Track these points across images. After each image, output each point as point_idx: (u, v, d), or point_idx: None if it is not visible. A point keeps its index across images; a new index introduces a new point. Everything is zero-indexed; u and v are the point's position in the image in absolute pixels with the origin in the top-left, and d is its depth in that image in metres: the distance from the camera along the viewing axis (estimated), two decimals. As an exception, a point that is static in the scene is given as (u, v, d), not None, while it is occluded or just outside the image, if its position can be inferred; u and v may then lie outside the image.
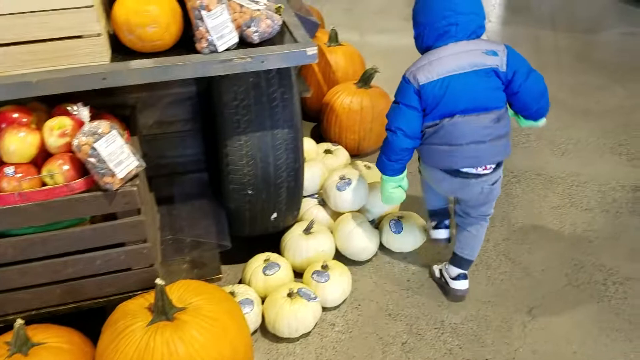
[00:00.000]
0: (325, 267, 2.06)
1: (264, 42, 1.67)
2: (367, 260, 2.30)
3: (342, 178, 2.31)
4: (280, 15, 1.83)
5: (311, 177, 2.41)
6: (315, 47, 1.63)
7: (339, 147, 2.79)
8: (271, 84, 1.83)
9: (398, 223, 2.28)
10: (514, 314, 2.06)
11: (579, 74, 3.85)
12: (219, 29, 1.55)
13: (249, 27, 1.61)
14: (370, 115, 2.80)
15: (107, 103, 1.80)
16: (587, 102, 3.49)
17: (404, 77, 1.87)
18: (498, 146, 1.86)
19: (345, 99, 2.83)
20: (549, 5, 5.22)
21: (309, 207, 2.38)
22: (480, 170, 1.88)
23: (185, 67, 1.54)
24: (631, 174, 2.81)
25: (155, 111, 1.99)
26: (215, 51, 1.58)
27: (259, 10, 1.62)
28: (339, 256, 2.27)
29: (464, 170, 1.87)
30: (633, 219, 2.50)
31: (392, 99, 1.93)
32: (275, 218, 2.06)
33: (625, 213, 2.54)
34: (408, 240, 2.28)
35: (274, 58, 1.60)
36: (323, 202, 2.40)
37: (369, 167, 2.60)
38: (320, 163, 2.49)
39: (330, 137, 2.92)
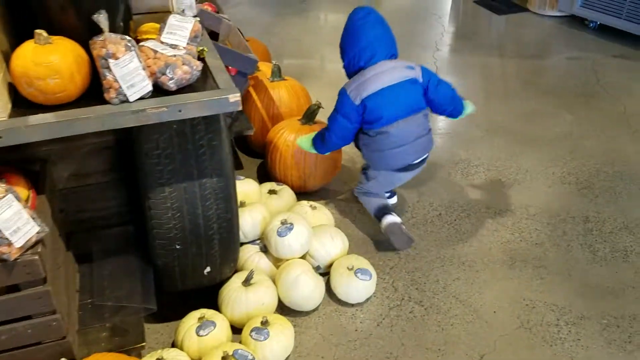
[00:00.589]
0: (264, 323, 1.91)
1: (183, 89, 1.54)
2: (313, 310, 2.16)
3: (283, 223, 2.18)
4: (204, 57, 1.71)
5: (251, 222, 2.27)
6: (238, 94, 1.51)
7: (284, 186, 2.67)
8: (197, 131, 1.70)
9: (365, 271, 2.15)
10: (466, 363, 1.95)
11: (527, 101, 3.85)
12: (128, 77, 1.41)
13: (163, 73, 1.48)
14: (314, 153, 2.69)
15: (14, 158, 1.63)
16: (535, 130, 3.48)
17: (344, 92, 2.27)
18: (430, 136, 2.38)
19: (289, 137, 2.71)
20: (496, 31, 5.28)
21: (250, 255, 2.23)
22: (423, 156, 2.39)
23: (92, 120, 1.39)
24: (581, 204, 2.77)
25: (70, 163, 1.83)
26: (126, 101, 1.44)
27: (174, 55, 1.50)
28: (282, 306, 2.13)
29: (415, 162, 2.36)
30: (584, 253, 2.45)
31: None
32: (209, 272, 1.91)
33: (575, 247, 2.49)
34: (364, 290, 2.16)
35: (192, 106, 1.47)
36: (265, 249, 2.26)
37: (314, 208, 2.48)
38: (261, 206, 2.36)
39: (275, 175, 2.80)
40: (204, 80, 1.60)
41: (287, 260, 2.18)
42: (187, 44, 1.63)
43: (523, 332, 2.06)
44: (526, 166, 3.11)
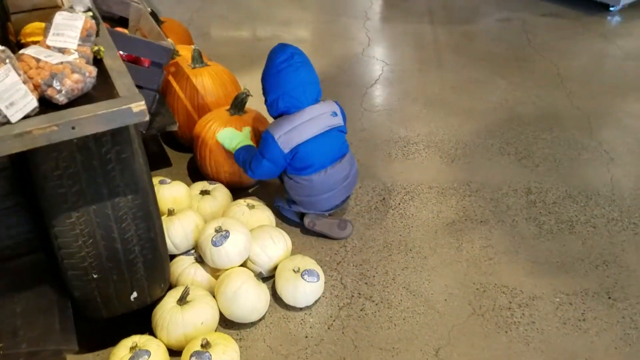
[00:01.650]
0: (205, 345, 1.74)
1: (77, 101, 1.31)
2: (259, 319, 2.00)
3: (217, 230, 1.99)
4: (101, 58, 1.47)
5: (183, 232, 2.07)
6: (142, 103, 1.29)
7: (217, 185, 2.46)
8: (102, 143, 1.47)
9: (312, 272, 2.01)
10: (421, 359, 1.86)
11: (461, 69, 3.78)
12: (6, 95, 1.17)
13: (50, 85, 1.25)
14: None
15: None
16: (470, 100, 3.40)
17: (271, 138, 2.14)
18: (356, 172, 2.38)
19: (218, 129, 2.50)
20: (425, -2, 5.17)
21: (184, 267, 2.04)
22: (349, 194, 2.43)
23: (-36, 150, 1.15)
24: (522, 175, 2.73)
25: (-41, 192, 1.56)
26: (7, 122, 1.20)
27: (61, 63, 1.26)
28: (225, 319, 1.97)
29: (342, 202, 2.38)
30: (530, 227, 2.40)
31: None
32: (136, 297, 1.70)
33: (521, 221, 2.44)
34: (312, 292, 2.02)
35: (87, 122, 1.25)
36: (201, 259, 2.07)
37: (252, 207, 2.30)
38: (193, 213, 2.15)
39: (207, 173, 2.59)
40: (102, 88, 1.37)
41: (226, 270, 2.00)
42: (79, 45, 1.39)
43: (476, 320, 1.99)
44: (465, 139, 3.03)
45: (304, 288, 1.99)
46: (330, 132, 2.21)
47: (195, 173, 2.75)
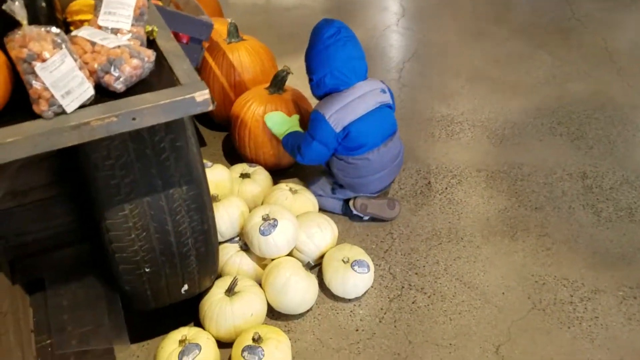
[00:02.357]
0: (257, 339, 1.69)
1: (134, 88, 1.22)
2: (307, 310, 1.95)
3: (265, 219, 1.92)
4: (154, 38, 1.38)
5: (228, 219, 2.00)
6: (206, 91, 1.20)
7: (257, 167, 2.38)
8: (155, 131, 1.39)
9: (362, 262, 1.94)
10: (480, 357, 1.79)
11: (501, 42, 3.62)
12: (62, 83, 1.09)
13: (107, 72, 1.16)
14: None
15: None
16: (516, 75, 3.26)
17: (322, 117, 2.04)
18: (402, 154, 2.30)
19: (258, 109, 2.40)
20: (460, -36, 4.95)
21: (230, 256, 1.98)
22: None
23: (20, 143, 1.07)
24: (575, 157, 2.61)
25: (2, 180, 1.49)
26: (62, 113, 1.12)
27: (119, 46, 1.17)
28: (272, 311, 1.91)
29: (390, 183, 2.32)
30: (587, 215, 2.30)
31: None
32: (186, 290, 1.65)
33: (578, 208, 2.34)
34: (362, 283, 1.95)
35: (149, 112, 1.17)
36: (246, 247, 2.00)
37: (295, 192, 2.22)
38: (237, 199, 2.08)
39: (246, 155, 2.51)
40: (158, 73, 1.28)
41: (273, 259, 1.94)
42: (132, 25, 1.30)
43: (537, 315, 1.92)
44: (513, 118, 2.91)
45: (355, 280, 1.92)
46: (381, 108, 2.13)
47: (231, 153, 2.67)
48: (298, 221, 2.03)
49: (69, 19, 1.37)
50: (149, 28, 1.36)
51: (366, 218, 2.29)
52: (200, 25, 2.19)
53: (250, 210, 2.06)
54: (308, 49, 2.13)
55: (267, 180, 2.33)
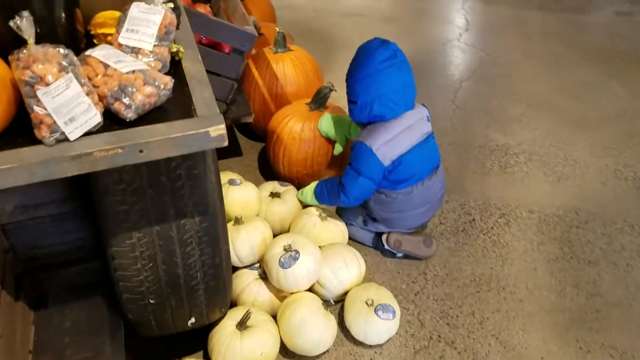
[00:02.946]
0: (263, 383, 1.59)
1: (148, 115, 1.14)
2: (322, 353, 1.84)
3: (287, 249, 1.82)
4: (180, 59, 1.30)
5: (249, 244, 1.91)
6: (222, 126, 1.11)
7: (289, 187, 2.29)
8: (172, 157, 1.31)
9: (388, 307, 1.81)
10: None
11: (571, 68, 3.39)
12: (65, 109, 1.02)
13: (117, 99, 1.08)
14: (327, 145, 2.30)
15: None
16: (583, 107, 3.04)
17: (368, 149, 1.89)
18: (445, 188, 2.16)
19: (295, 126, 2.31)
20: (534, -22, 4.70)
21: (248, 283, 1.89)
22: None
23: (15, 171, 1.01)
24: (640, 208, 2.39)
25: (14, 193, 1.45)
26: (65, 140, 1.05)
27: (133, 71, 1.09)
28: (284, 348, 1.82)
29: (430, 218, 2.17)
30: (648, 277, 2.09)
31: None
32: (193, 323, 1.57)
33: (637, 266, 2.12)
34: (386, 330, 1.82)
35: (158, 146, 1.08)
36: (265, 274, 1.91)
37: (325, 218, 2.11)
38: (261, 223, 1.99)
39: (279, 171, 2.42)
40: (176, 100, 1.19)
41: (292, 293, 1.84)
42: (155, 45, 1.22)
43: (578, 389, 1.74)
44: (575, 155, 2.70)
45: (377, 326, 1.79)
46: (427, 140, 2.01)
47: (266, 166, 2.60)
48: (323, 253, 1.92)
49: (93, 32, 1.31)
50: (175, 48, 1.28)
51: (399, 255, 2.16)
52: (244, 36, 2.11)
53: (275, 235, 1.96)
54: (354, 70, 1.98)
55: (297, 201, 2.24)
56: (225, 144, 1.13)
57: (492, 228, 2.30)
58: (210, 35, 2.10)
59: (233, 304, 1.90)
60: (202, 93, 1.21)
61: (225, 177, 2.27)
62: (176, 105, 1.18)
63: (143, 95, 1.08)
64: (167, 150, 1.09)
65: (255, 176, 2.59)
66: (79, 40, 1.27)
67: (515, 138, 2.81)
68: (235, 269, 1.95)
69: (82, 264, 1.62)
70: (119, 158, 1.06)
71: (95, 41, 1.33)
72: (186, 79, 1.26)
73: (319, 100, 2.35)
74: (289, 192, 2.26)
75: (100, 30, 1.29)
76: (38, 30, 1.08)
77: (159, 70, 1.22)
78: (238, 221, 1.97)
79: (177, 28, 1.39)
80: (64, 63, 1.00)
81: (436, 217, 2.34)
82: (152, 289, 1.42)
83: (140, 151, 1.07)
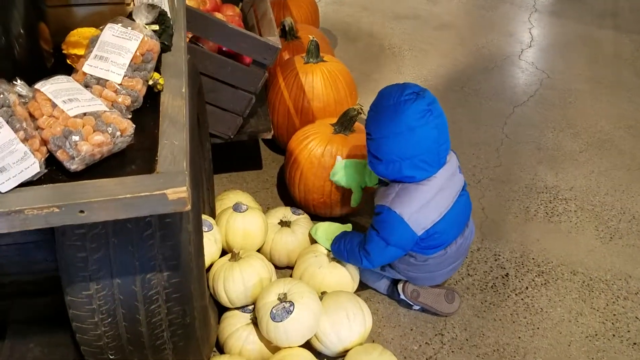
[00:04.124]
0: None
1: (97, 166, 0.98)
2: (310, 417, 1.66)
3: (281, 299, 1.65)
4: (160, 90, 1.13)
5: (242, 285, 1.75)
6: (184, 189, 0.94)
7: (301, 216, 2.11)
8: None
9: None
10: None
11: (645, 103, 3.05)
12: (-7, 158, 0.87)
13: (60, 147, 0.92)
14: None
15: None
16: (652, 151, 2.72)
17: (396, 216, 1.67)
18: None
19: (315, 149, 2.12)
20: (613, -8, 4.32)
21: (237, 328, 1.74)
22: None
23: None
24: None
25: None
26: (-7, 192, 0.90)
27: (83, 114, 0.93)
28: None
29: None
30: None
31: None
32: (161, 380, 1.42)
33: (694, 360, 1.84)
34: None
35: (102, 207, 0.92)
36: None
37: (334, 258, 1.92)
38: (259, 262, 1.82)
39: (294, 196, 2.25)
40: (142, 144, 1.03)
41: (283, 348, 1.67)
42: (126, 77, 1.05)
43: None
44: (634, 209, 2.40)
45: (377, 396, 1.60)
46: (461, 196, 1.80)
47: (285, 183, 2.42)
48: (325, 302, 1.74)
49: (65, 51, 1.15)
50: (153, 79, 1.11)
51: (416, 307, 1.95)
52: (265, 48, 1.93)
53: (281, 267, 1.79)
54: (380, 123, 1.66)
55: (308, 234, 2.06)
56: (187, 208, 0.96)
57: (527, 288, 2.06)
58: (229, 45, 1.94)
59: (220, 348, 1.75)
60: (172, 138, 1.04)
61: (233, 197, 2.12)
62: (138, 152, 1.02)
63: (90, 145, 0.92)
64: (113, 212, 0.93)
65: (272, 194, 2.43)
66: (43, 60, 1.13)
67: (567, 180, 2.53)
68: (226, 309, 1.80)
69: (49, 295, 1.49)
70: (54, 217, 0.91)
71: (68, 61, 1.18)
72: (160, 118, 1.09)
73: (345, 123, 2.16)
74: (301, 222, 2.08)
75: (72, 51, 1.14)
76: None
77: (129, 107, 1.06)
78: (234, 257, 1.81)
79: (168, 50, 1.23)
80: (-6, 103, 0.85)
81: (464, 267, 2.12)
82: (112, 344, 1.28)
83: (81, 212, 0.92)
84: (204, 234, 1.77)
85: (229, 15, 2.23)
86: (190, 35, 1.96)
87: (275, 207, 2.20)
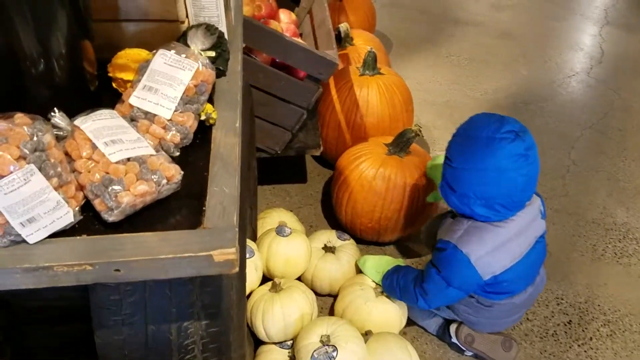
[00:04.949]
0: None
1: (138, 215, 0.88)
2: None
3: (323, 342, 1.54)
4: (212, 124, 1.02)
5: (282, 321, 1.65)
6: (233, 250, 0.83)
7: (347, 242, 2.00)
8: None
9: None
10: None
11: None
12: (22, 208, 0.78)
13: (98, 195, 0.83)
14: (401, 197, 1.97)
15: None
16: None
17: (463, 256, 1.52)
18: None
19: (367, 171, 2.00)
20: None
21: (274, 365, 1.63)
22: None
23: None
24: None
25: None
26: (22, 242, 0.81)
27: (128, 160, 0.83)
28: None
29: None
30: None
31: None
32: None
33: None
34: None
35: (141, 267, 0.82)
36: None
37: (381, 294, 1.80)
38: (301, 295, 1.71)
39: (340, 219, 2.13)
40: (189, 188, 0.93)
41: (323, 393, 1.56)
42: (176, 112, 0.95)
43: None
44: None
45: None
46: (538, 242, 1.64)
47: (330, 200, 2.31)
48: (370, 345, 1.62)
49: (111, 74, 1.06)
50: (206, 113, 1.00)
51: (469, 353, 1.81)
52: (322, 62, 1.81)
53: (322, 294, 1.70)
54: (465, 153, 1.50)
55: (354, 262, 1.94)
56: (235, 271, 0.85)
57: (591, 339, 1.90)
58: (283, 58, 1.83)
59: (253, 384, 1.66)
60: (223, 184, 0.93)
61: (276, 216, 2.02)
62: (184, 200, 0.91)
63: (133, 196, 0.81)
64: (152, 272, 0.83)
65: (315, 211, 2.32)
66: (87, 83, 1.03)
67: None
68: (262, 342, 1.71)
69: (78, 322, 1.42)
70: (87, 275, 0.82)
71: (114, 85, 1.08)
72: (210, 158, 0.98)
73: (401, 145, 2.02)
74: (346, 248, 1.97)
75: (119, 75, 1.04)
76: (33, 71, 0.85)
77: (177, 144, 0.96)
78: (275, 287, 1.70)
79: (223, 75, 1.12)
80: (25, 150, 0.75)
81: (521, 310, 1.96)
82: (141, 392, 1.18)
83: (117, 270, 0.82)
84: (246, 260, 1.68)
85: (285, 23, 2.11)
86: (243, 46, 1.86)
87: (319, 227, 2.11)
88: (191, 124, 0.97)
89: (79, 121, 0.86)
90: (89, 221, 0.85)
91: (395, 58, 3.28)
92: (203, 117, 1.00)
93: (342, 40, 2.54)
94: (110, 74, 1.06)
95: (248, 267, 1.70)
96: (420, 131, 2.00)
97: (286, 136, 2.03)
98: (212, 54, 1.03)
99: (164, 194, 0.87)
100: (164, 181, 0.84)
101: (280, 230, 1.86)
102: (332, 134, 2.32)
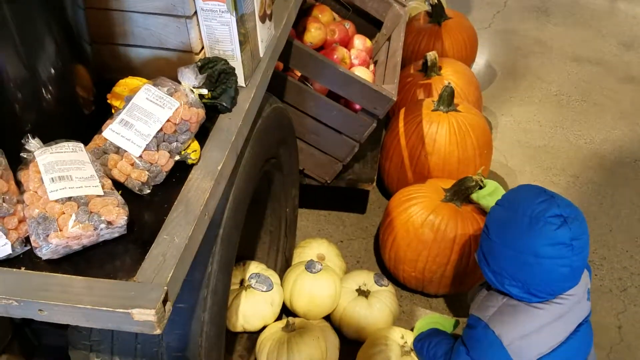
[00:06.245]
0: None
1: (81, 254, 0.87)
2: None
3: (319, 396, 1.46)
4: (194, 163, 1.00)
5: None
6: (152, 312, 0.79)
7: (385, 288, 1.89)
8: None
9: None
10: None
11: None
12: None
13: (32, 232, 0.83)
14: (448, 250, 1.83)
15: None
16: None
17: (494, 338, 1.38)
18: None
19: (416, 216, 1.88)
20: None
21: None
22: None
23: None
24: None
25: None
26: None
27: (69, 199, 0.82)
28: None
29: None
30: None
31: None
32: None
33: None
34: None
35: (63, 311, 0.81)
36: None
37: (408, 354, 1.68)
38: (318, 342, 1.64)
39: (384, 260, 2.03)
40: (140, 234, 0.90)
41: None
42: (148, 150, 0.93)
43: None
44: None
45: None
46: (582, 327, 1.45)
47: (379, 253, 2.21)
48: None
49: (109, 101, 1.07)
50: (188, 152, 0.98)
51: None
52: (377, 97, 1.73)
53: (347, 339, 1.64)
54: (504, 226, 1.39)
55: (386, 313, 1.83)
56: (157, 332, 0.81)
57: None
58: (338, 90, 1.77)
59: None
60: (175, 234, 0.89)
61: (316, 248, 1.96)
62: (132, 244, 0.89)
63: (63, 238, 0.80)
64: (74, 318, 0.81)
65: (366, 246, 2.23)
66: (79, 107, 1.04)
67: None
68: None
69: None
70: (15, 310, 0.82)
71: (113, 111, 1.09)
72: (173, 202, 0.95)
73: (459, 193, 1.87)
74: (382, 295, 1.86)
75: (115, 103, 1.05)
76: (19, 95, 0.88)
77: (145, 183, 0.94)
78: (288, 327, 1.65)
79: (227, 111, 1.09)
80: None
81: None
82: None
83: (41, 310, 0.81)
84: (261, 294, 1.64)
85: (357, 50, 2.04)
86: (299, 74, 1.83)
87: (365, 263, 2.04)
88: (165, 163, 0.95)
89: (39, 152, 0.86)
90: (33, 254, 0.85)
91: (497, 91, 3.08)
92: (177, 158, 0.97)
93: (427, 69, 2.42)
94: (109, 101, 1.07)
95: (262, 302, 1.67)
96: (482, 181, 1.84)
97: (337, 167, 1.96)
98: (204, 91, 1.00)
99: (106, 237, 0.85)
100: (102, 226, 0.82)
101: (309, 266, 1.80)
102: (395, 168, 2.21)
